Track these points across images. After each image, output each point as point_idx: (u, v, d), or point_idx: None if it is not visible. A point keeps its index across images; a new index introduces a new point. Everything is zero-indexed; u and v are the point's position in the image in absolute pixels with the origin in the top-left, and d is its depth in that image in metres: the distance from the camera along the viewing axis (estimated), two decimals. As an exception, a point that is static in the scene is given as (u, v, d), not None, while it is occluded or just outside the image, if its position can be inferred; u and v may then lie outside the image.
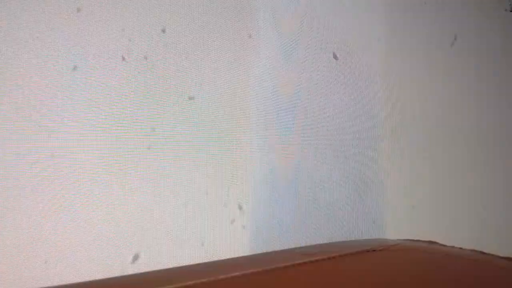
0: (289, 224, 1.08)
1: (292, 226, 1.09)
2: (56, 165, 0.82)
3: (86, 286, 0.33)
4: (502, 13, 1.79)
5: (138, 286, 0.34)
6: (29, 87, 0.80)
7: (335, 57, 1.20)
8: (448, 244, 0.45)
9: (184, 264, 0.40)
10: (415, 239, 0.47)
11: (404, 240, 0.46)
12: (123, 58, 0.87)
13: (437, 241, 0.46)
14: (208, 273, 0.35)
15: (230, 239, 0.96)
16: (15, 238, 0.78)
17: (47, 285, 0.68)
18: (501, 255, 0.41)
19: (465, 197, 1.56)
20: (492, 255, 0.41)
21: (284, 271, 0.35)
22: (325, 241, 1.12)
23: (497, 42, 1.76)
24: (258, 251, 0.93)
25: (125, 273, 0.37)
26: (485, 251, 0.42)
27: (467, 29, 1.67)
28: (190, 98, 0.94)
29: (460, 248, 0.43)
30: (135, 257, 0.87)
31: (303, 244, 1.01)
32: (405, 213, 1.39)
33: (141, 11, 0.91)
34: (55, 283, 0.33)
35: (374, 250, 0.41)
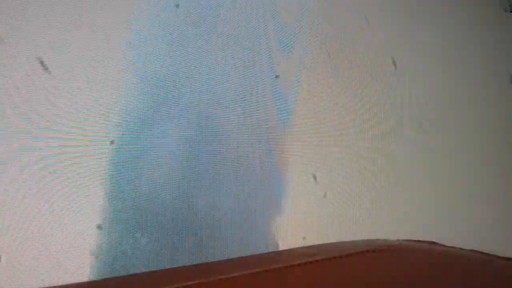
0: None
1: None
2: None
3: (87, 286, 0.33)
4: (502, 13, 1.80)
5: (138, 286, 0.34)
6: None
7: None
8: (448, 244, 0.45)
9: (183, 265, 0.40)
10: (416, 239, 0.47)
11: (404, 240, 0.46)
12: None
13: (438, 241, 0.46)
14: (208, 273, 0.35)
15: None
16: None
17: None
18: (501, 255, 0.41)
19: (468, 197, 1.57)
20: (492, 255, 0.41)
21: (284, 271, 0.35)
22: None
23: (496, 41, 1.76)
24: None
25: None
26: (485, 251, 0.42)
27: (466, 29, 1.67)
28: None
29: (460, 249, 0.43)
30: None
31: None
32: (405, 212, 1.39)
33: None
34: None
35: (374, 251, 0.41)
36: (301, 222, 1.11)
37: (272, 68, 1.11)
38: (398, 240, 0.46)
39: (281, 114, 1.10)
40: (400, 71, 1.44)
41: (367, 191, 1.28)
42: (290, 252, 0.46)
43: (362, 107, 1.30)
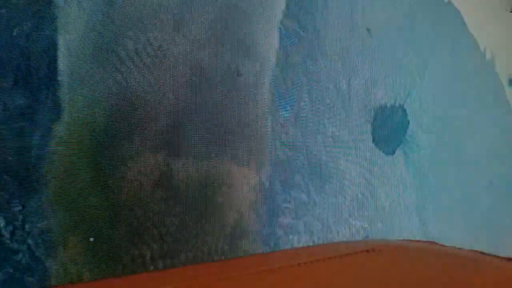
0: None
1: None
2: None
3: (88, 286, 0.33)
4: (503, 13, 1.79)
5: (139, 286, 0.34)
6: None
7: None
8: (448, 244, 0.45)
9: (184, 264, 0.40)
10: (415, 239, 0.47)
11: (404, 240, 0.46)
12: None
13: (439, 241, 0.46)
14: (208, 273, 0.35)
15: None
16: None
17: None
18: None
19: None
20: (491, 255, 0.41)
21: (284, 271, 0.35)
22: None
23: (497, 41, 1.76)
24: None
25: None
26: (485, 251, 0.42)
27: (468, 28, 1.67)
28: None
29: (460, 248, 0.43)
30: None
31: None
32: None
33: None
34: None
35: (374, 250, 0.41)
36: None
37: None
38: (398, 240, 0.46)
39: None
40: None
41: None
42: (290, 252, 0.46)
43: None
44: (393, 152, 1.39)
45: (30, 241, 0.76)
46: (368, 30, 1.31)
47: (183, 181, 0.93)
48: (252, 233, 1.01)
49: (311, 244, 1.05)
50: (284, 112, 1.11)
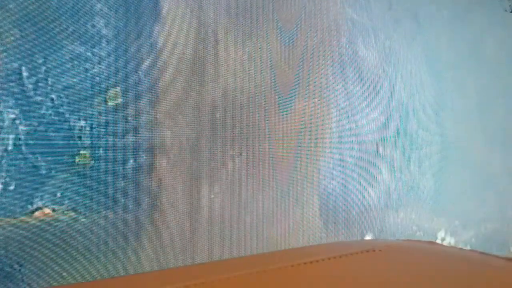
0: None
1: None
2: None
3: (88, 286, 0.33)
4: (502, 13, 1.79)
5: (139, 286, 0.34)
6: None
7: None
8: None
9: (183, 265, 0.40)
10: (415, 239, 0.47)
11: (404, 240, 0.46)
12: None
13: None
14: (208, 273, 0.35)
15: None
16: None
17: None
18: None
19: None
20: (491, 255, 0.41)
21: (284, 271, 0.35)
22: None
23: (496, 41, 1.76)
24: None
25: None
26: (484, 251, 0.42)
27: (467, 29, 1.67)
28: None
29: (460, 248, 0.43)
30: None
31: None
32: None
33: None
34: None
35: (374, 250, 0.41)
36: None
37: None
38: (398, 240, 0.46)
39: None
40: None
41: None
42: (290, 252, 0.46)
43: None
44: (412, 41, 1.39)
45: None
46: None
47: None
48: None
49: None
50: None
